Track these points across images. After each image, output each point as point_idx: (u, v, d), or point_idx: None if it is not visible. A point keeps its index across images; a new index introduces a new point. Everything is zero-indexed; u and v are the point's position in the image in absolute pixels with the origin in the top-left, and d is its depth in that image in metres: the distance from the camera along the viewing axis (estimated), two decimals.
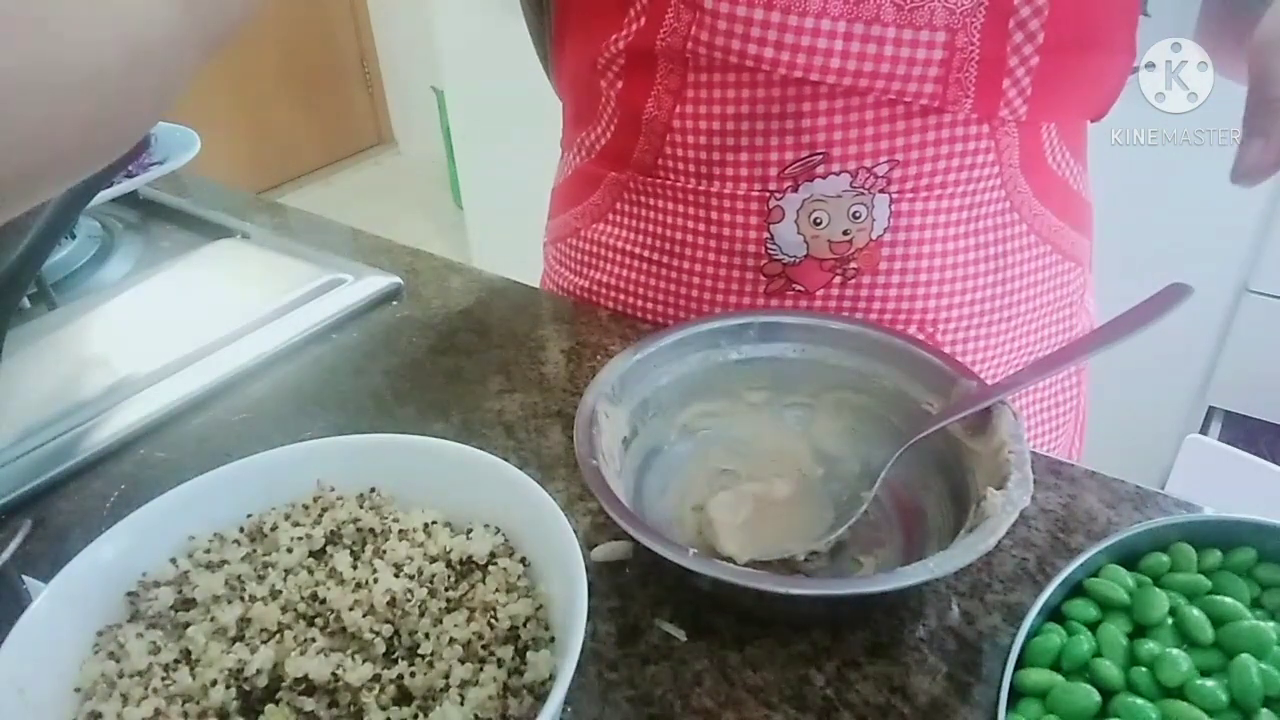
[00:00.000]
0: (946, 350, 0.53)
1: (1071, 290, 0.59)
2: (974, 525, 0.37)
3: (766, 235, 0.51)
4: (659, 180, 0.53)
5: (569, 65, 0.56)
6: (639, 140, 0.52)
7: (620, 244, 0.58)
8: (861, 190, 0.49)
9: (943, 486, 0.43)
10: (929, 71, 0.45)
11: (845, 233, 0.50)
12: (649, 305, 0.58)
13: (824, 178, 0.49)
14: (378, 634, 0.32)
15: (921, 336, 0.53)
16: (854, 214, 0.49)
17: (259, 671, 0.31)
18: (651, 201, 0.55)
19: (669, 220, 0.54)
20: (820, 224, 0.50)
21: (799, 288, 0.52)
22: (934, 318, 0.53)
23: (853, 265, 0.51)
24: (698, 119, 0.49)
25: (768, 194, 0.50)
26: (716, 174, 0.51)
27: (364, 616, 0.32)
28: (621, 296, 0.60)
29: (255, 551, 0.36)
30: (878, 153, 0.48)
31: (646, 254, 0.57)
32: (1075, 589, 0.38)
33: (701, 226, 0.53)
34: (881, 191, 0.49)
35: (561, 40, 0.56)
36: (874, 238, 0.50)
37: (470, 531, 0.37)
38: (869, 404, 0.47)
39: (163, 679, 0.31)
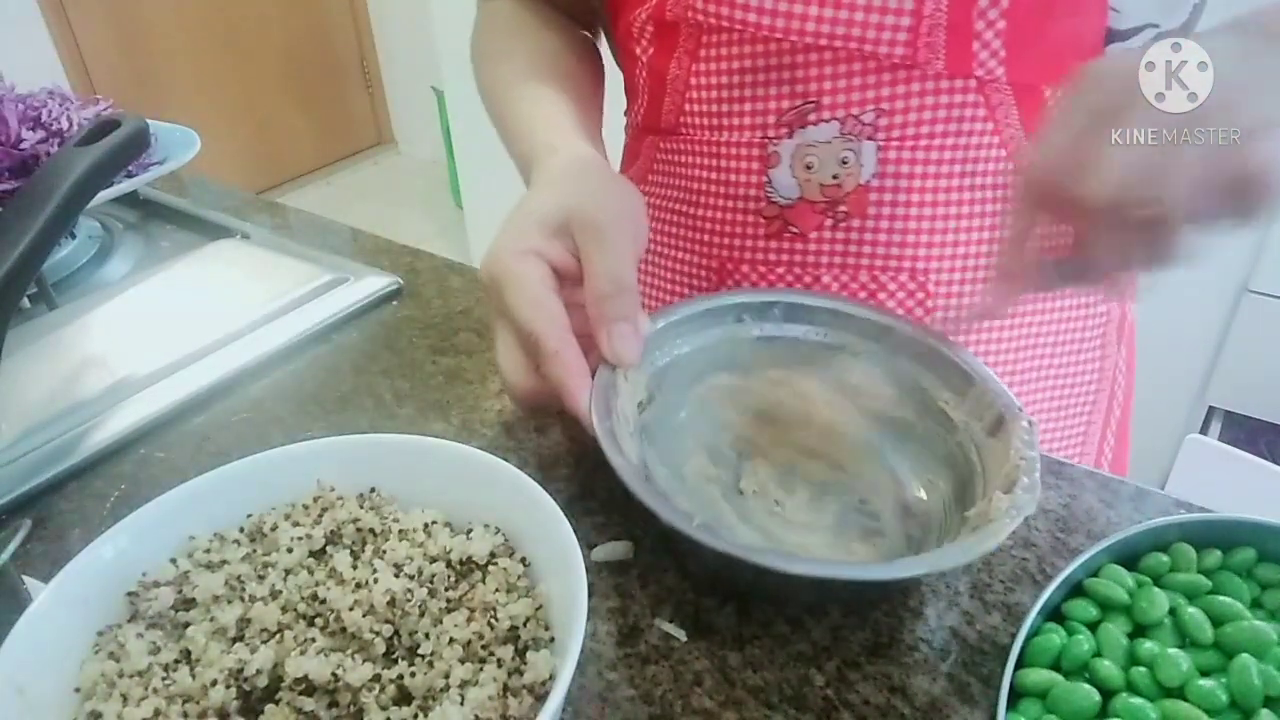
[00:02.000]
0: (940, 304, 0.55)
1: None
2: (977, 525, 0.37)
3: (765, 179, 0.55)
4: (681, 135, 0.58)
5: (619, 41, 0.61)
6: (665, 101, 0.57)
7: (655, 201, 0.62)
8: (850, 136, 0.52)
9: (948, 485, 0.43)
10: (898, 36, 0.48)
11: (835, 177, 0.53)
12: (667, 251, 0.62)
13: (815, 124, 0.52)
14: (378, 634, 0.32)
15: (913, 285, 0.55)
16: (843, 159, 0.52)
17: (259, 671, 0.31)
18: (676, 158, 0.59)
19: (687, 172, 0.59)
20: (812, 168, 0.53)
21: (794, 230, 0.55)
22: (925, 267, 0.54)
23: (843, 209, 0.54)
24: (709, 75, 0.54)
25: (766, 140, 0.54)
26: (725, 125, 0.55)
27: (364, 616, 0.32)
28: (648, 250, 0.63)
29: (255, 551, 0.36)
30: (864, 101, 0.51)
31: (669, 205, 0.61)
32: (1075, 589, 0.38)
33: (712, 175, 0.57)
34: (869, 139, 0.52)
35: (614, 18, 0.61)
36: (862, 182, 0.53)
37: (470, 531, 0.37)
38: (886, 394, 0.47)
39: (163, 679, 0.31)
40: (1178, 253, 0.35)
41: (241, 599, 0.34)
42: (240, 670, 0.31)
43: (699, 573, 0.41)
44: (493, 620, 0.33)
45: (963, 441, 0.43)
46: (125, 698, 0.30)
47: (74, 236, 0.72)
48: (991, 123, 0.51)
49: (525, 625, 0.33)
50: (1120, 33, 0.49)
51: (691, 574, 0.41)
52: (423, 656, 0.32)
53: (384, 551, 0.35)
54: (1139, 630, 0.36)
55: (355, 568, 0.35)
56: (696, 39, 0.53)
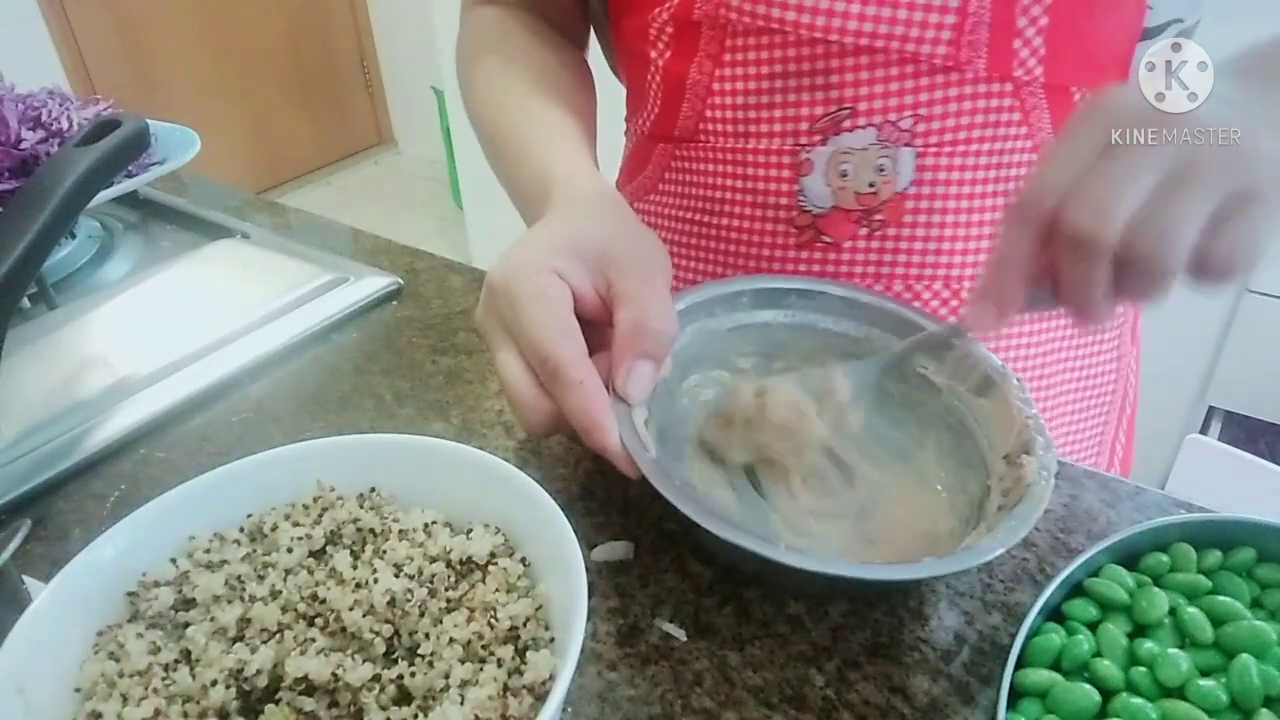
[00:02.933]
0: None
1: None
2: (1009, 489, 0.38)
3: (797, 188, 0.53)
4: (701, 143, 0.56)
5: (626, 45, 0.59)
6: (683, 106, 0.56)
7: (668, 210, 0.61)
8: (887, 143, 0.51)
9: (944, 447, 0.44)
10: (941, 34, 0.48)
11: (871, 185, 0.52)
12: (692, 264, 0.61)
13: (850, 131, 0.51)
14: (378, 634, 0.32)
15: (947, 293, 0.54)
16: (879, 167, 0.51)
17: (259, 671, 0.31)
18: (694, 165, 0.58)
19: (709, 180, 0.57)
20: (847, 176, 0.52)
21: (827, 239, 0.54)
22: (959, 274, 0.54)
23: (878, 217, 0.53)
24: (735, 80, 0.52)
25: (799, 148, 0.52)
26: (752, 131, 0.54)
27: (364, 616, 0.32)
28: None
29: (255, 551, 0.36)
30: (901, 107, 0.50)
31: (690, 215, 0.59)
32: (1075, 589, 0.38)
33: (739, 183, 0.56)
34: (906, 145, 0.51)
35: (619, 21, 0.59)
36: (899, 190, 0.52)
37: (470, 531, 0.37)
38: (859, 368, 0.47)
39: (163, 679, 0.31)
40: (1159, 296, 0.35)
41: (241, 599, 0.34)
42: (240, 670, 0.30)
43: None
44: (493, 620, 0.33)
45: (949, 404, 0.44)
46: (125, 698, 0.30)
47: (74, 236, 0.72)
48: (1025, 126, 0.51)
49: (525, 625, 0.33)
50: (1150, 30, 0.49)
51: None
52: (423, 656, 0.32)
53: (384, 551, 0.35)
54: (1139, 630, 0.36)
55: (355, 568, 0.35)
56: (720, 41, 0.52)
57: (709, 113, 0.54)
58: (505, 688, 0.31)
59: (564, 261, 0.40)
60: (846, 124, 0.51)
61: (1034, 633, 0.36)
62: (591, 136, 0.55)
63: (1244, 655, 0.33)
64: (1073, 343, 0.59)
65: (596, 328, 0.40)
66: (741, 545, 0.34)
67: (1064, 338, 0.58)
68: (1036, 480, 0.37)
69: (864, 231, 0.53)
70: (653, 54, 0.56)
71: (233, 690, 0.30)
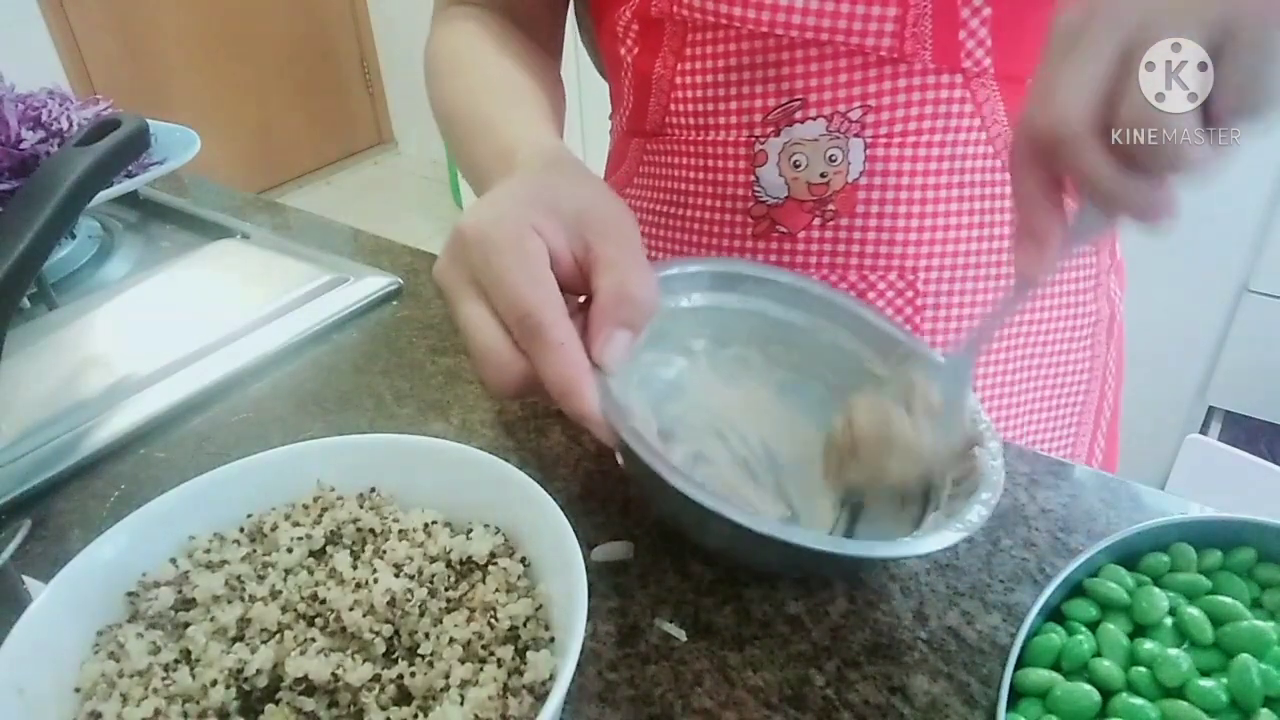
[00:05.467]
0: (930, 302, 0.55)
1: (1082, 274, 0.59)
2: (961, 480, 0.39)
3: (753, 178, 0.54)
4: (667, 136, 0.58)
5: (604, 44, 0.61)
6: (650, 101, 0.57)
7: (641, 203, 0.62)
8: (837, 134, 0.52)
9: None
10: (885, 27, 0.48)
11: (823, 175, 0.53)
12: (657, 255, 0.61)
13: (802, 122, 0.52)
14: (378, 634, 0.32)
15: (902, 284, 0.55)
16: (830, 157, 0.52)
17: (259, 671, 0.31)
18: (662, 159, 0.59)
19: (674, 173, 0.58)
20: (799, 166, 0.53)
21: (783, 229, 0.55)
22: (914, 265, 0.54)
23: (830, 207, 0.54)
24: (694, 74, 0.54)
25: (753, 139, 0.53)
26: (711, 124, 0.55)
27: (364, 616, 0.32)
28: None
29: (255, 551, 0.36)
30: (850, 99, 0.51)
31: (658, 207, 0.60)
32: (1075, 589, 0.38)
33: (699, 175, 0.57)
34: (856, 136, 0.52)
35: (599, 20, 0.60)
36: (850, 181, 0.53)
37: (470, 531, 0.37)
38: (802, 360, 0.47)
39: (163, 679, 0.31)
40: (1186, 165, 0.31)
41: (241, 599, 0.34)
42: (240, 670, 0.31)
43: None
44: (493, 620, 0.33)
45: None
46: (125, 698, 0.30)
47: (74, 236, 0.72)
48: (979, 119, 0.51)
49: (525, 625, 0.33)
50: None
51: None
52: (423, 656, 0.32)
53: (384, 551, 0.35)
54: (1139, 630, 0.36)
55: (355, 568, 0.35)
56: (681, 37, 0.53)
57: (673, 106, 0.56)
58: (505, 688, 0.31)
59: (542, 219, 0.37)
60: (798, 115, 0.52)
61: (1034, 633, 0.36)
62: (559, 126, 0.53)
63: (1244, 655, 0.33)
64: (1041, 339, 0.59)
65: (567, 294, 0.38)
66: (718, 512, 0.32)
67: (1031, 334, 0.58)
68: (989, 468, 0.38)
69: (817, 222, 0.54)
70: (622, 51, 0.57)
71: (233, 690, 0.30)
